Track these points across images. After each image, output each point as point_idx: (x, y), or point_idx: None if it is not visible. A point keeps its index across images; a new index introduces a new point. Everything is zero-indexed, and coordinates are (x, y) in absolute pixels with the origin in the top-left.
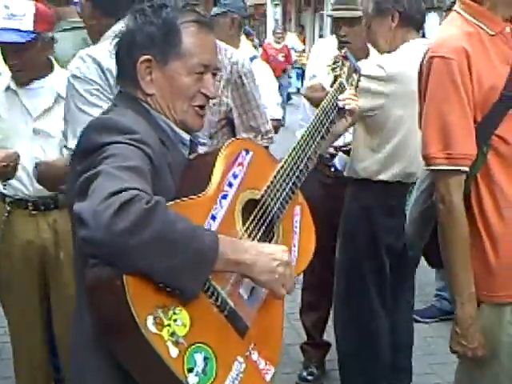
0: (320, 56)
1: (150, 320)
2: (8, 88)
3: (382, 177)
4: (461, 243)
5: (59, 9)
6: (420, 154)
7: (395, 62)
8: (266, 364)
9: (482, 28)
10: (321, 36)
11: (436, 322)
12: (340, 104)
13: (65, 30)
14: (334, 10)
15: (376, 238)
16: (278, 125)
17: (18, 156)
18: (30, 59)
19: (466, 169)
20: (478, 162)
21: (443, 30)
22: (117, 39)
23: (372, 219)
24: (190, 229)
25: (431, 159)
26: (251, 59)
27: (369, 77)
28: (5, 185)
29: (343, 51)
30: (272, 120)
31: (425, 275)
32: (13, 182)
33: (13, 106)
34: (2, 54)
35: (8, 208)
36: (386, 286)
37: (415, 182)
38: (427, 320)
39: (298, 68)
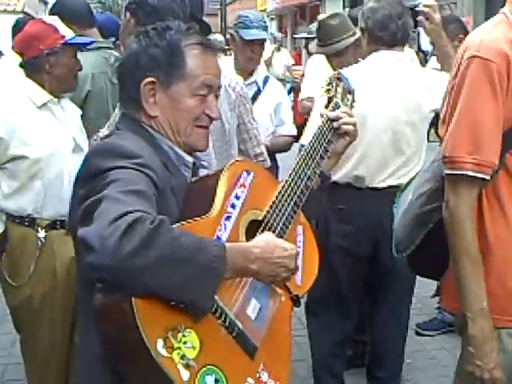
0: (315, 74)
1: (159, 343)
2: (43, 105)
3: (334, 178)
4: (467, 254)
5: (85, 31)
6: (367, 158)
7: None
8: None
9: None
10: None
11: (439, 335)
12: (335, 124)
13: (88, 50)
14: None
15: (328, 240)
16: (293, 140)
17: None
18: None
19: (489, 178)
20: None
21: (485, 32)
22: (119, 61)
23: (325, 222)
24: (197, 241)
25: (458, 163)
26: (265, 80)
27: None
28: None
29: (336, 72)
30: (289, 136)
31: (425, 288)
32: (54, 203)
33: (52, 122)
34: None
35: (43, 232)
36: (338, 284)
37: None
38: (430, 333)
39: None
